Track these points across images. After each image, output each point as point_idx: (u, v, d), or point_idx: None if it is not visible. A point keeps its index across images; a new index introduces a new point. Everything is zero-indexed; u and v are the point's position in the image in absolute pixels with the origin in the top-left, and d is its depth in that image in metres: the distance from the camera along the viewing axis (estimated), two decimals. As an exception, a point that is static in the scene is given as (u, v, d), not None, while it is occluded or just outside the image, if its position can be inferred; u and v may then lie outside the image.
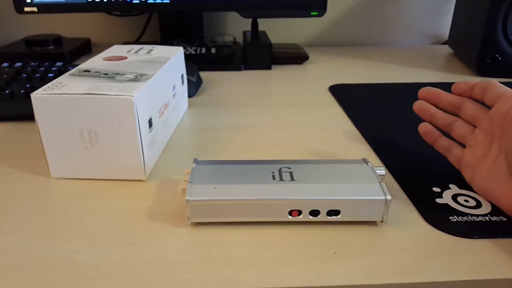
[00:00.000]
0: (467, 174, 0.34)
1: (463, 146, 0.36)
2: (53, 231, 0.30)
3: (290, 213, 0.30)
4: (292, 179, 0.31)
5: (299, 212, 0.30)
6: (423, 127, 0.39)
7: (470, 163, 0.34)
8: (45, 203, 0.33)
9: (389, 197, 0.29)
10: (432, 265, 0.27)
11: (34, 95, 0.33)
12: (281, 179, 0.31)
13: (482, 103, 0.35)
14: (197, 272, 0.26)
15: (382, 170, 0.33)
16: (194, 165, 0.33)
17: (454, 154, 0.36)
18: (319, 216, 0.30)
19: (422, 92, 0.40)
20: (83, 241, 0.29)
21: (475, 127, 0.35)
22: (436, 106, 0.39)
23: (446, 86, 0.61)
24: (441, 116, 0.38)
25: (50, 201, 0.33)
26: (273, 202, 0.29)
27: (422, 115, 0.39)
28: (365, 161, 0.33)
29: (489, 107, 0.34)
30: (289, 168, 0.32)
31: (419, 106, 0.40)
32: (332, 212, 0.30)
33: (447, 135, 0.38)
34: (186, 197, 0.29)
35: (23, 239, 0.29)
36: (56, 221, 0.31)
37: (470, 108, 0.36)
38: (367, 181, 0.31)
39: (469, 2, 0.71)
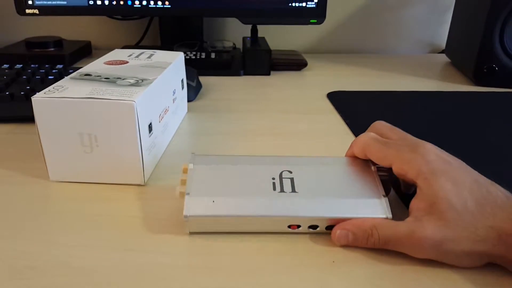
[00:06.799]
0: None
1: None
2: (50, 235, 0.30)
3: (289, 226, 0.30)
4: (293, 189, 0.31)
5: (298, 226, 0.30)
6: None
7: None
8: (43, 207, 0.33)
9: (390, 216, 0.29)
10: (430, 276, 0.27)
11: (35, 99, 0.33)
12: (281, 189, 0.30)
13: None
14: (194, 278, 0.26)
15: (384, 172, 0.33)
16: (191, 166, 0.32)
17: None
18: (317, 229, 0.30)
19: None
20: (80, 245, 0.29)
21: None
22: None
23: (443, 95, 0.62)
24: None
25: (48, 205, 0.33)
26: (272, 218, 0.29)
27: None
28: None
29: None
30: (290, 172, 0.32)
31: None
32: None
33: None
34: (184, 213, 0.29)
35: (19, 243, 0.29)
36: (53, 225, 0.31)
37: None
38: (369, 195, 0.30)
39: (466, 12, 0.72)
